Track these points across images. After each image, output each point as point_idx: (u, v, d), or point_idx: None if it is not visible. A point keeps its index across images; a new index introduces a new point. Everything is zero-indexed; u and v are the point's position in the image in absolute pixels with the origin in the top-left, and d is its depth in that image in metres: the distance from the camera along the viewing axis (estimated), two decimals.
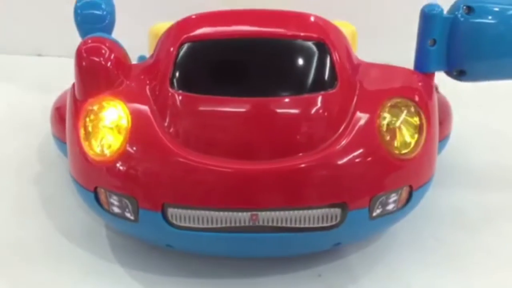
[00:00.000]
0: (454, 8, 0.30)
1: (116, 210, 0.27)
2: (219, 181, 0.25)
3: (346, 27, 0.42)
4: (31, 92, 0.53)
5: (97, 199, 0.28)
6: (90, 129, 0.28)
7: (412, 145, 0.28)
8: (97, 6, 0.33)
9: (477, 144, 0.43)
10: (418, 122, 0.28)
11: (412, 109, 0.28)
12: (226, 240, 0.26)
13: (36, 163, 0.41)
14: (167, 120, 0.27)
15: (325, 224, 0.26)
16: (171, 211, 0.26)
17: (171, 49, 0.29)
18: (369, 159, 0.26)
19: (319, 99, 0.27)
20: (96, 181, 0.28)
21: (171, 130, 0.27)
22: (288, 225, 0.26)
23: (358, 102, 0.28)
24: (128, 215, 0.27)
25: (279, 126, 0.27)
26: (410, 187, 0.28)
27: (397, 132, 0.28)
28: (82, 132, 0.28)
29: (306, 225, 0.26)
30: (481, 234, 0.33)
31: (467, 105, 0.46)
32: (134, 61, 0.39)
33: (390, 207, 0.28)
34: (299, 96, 0.27)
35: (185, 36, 0.29)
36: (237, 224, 0.26)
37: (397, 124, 0.28)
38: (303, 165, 0.25)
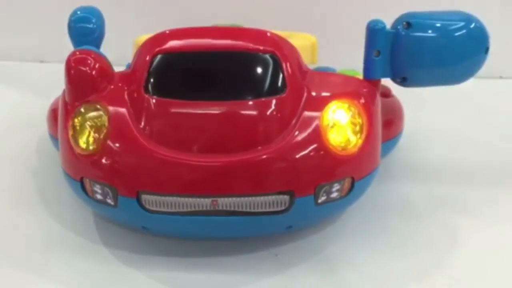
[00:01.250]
0: (396, 23, 0.35)
1: (99, 197, 0.32)
2: (184, 172, 0.30)
3: (306, 39, 0.47)
4: (33, 96, 0.56)
5: (83, 188, 0.33)
6: (77, 128, 0.32)
7: (354, 142, 0.32)
8: (88, 20, 0.37)
9: (432, 141, 0.47)
10: (360, 122, 0.32)
11: (355, 110, 0.32)
12: (190, 222, 0.31)
13: (34, 159, 0.45)
14: (143, 121, 0.32)
15: (275, 209, 0.30)
16: (144, 197, 0.30)
17: (146, 59, 0.33)
18: (314, 153, 0.31)
19: (272, 102, 0.32)
20: (82, 172, 0.32)
21: (146, 130, 0.31)
22: (244, 209, 0.30)
23: (305, 104, 0.32)
24: (109, 201, 0.32)
25: (238, 125, 0.31)
26: (352, 178, 0.32)
27: (340, 130, 0.32)
28: (70, 130, 0.32)
29: (259, 210, 0.30)
30: (425, 223, 0.37)
31: (424, 106, 0.50)
32: (123, 68, 0.44)
33: (334, 195, 0.32)
34: (255, 100, 0.32)
35: (158, 48, 0.33)
36: (200, 209, 0.30)
37: (340, 123, 0.32)
38: (255, 159, 0.30)
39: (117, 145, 0.31)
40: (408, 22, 0.34)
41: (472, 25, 0.35)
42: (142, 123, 0.32)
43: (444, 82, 0.36)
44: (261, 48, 0.33)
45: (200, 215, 0.30)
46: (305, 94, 0.33)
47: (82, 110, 0.33)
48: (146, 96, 0.32)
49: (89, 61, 0.33)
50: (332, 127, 0.32)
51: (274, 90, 0.32)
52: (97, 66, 0.33)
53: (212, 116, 0.31)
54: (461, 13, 0.36)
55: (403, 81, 0.36)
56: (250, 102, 0.32)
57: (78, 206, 0.38)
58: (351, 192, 0.32)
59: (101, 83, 0.33)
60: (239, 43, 0.34)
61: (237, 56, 0.33)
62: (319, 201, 0.31)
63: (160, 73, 0.33)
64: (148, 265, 0.33)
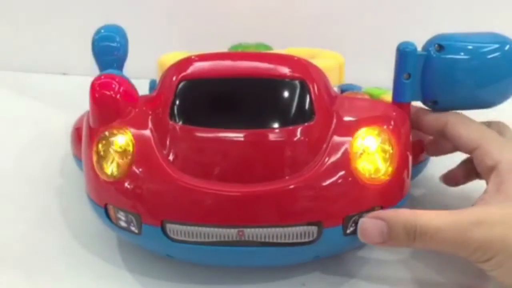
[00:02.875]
0: (427, 45, 0.34)
1: (123, 224, 0.32)
2: (209, 201, 0.29)
3: (334, 58, 0.46)
4: (56, 109, 0.56)
5: (107, 214, 0.32)
6: (102, 153, 0.32)
7: (383, 170, 0.31)
8: (112, 39, 0.37)
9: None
10: (390, 149, 0.31)
11: (385, 137, 0.31)
12: (216, 252, 0.30)
13: (58, 177, 0.45)
14: (167, 147, 0.31)
15: (303, 240, 0.30)
16: (169, 226, 0.30)
17: (172, 84, 0.32)
18: (343, 183, 0.30)
19: (300, 130, 0.31)
20: (106, 199, 0.32)
21: (170, 156, 0.31)
22: (270, 240, 0.30)
23: (334, 131, 0.31)
24: (133, 228, 0.31)
25: (264, 153, 0.30)
26: (382, 207, 0.31)
27: (370, 157, 0.31)
28: (95, 156, 0.32)
29: (286, 241, 0.30)
30: None
31: None
32: (146, 84, 0.43)
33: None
34: (282, 128, 0.31)
35: (183, 74, 0.33)
36: (226, 239, 0.29)
37: (370, 150, 0.31)
38: (282, 189, 0.29)
39: (142, 171, 0.31)
40: (440, 44, 0.33)
41: (507, 47, 0.33)
42: (166, 150, 0.31)
43: (476, 105, 0.35)
44: (289, 74, 0.32)
45: (225, 246, 0.30)
46: (334, 120, 0.32)
47: (107, 134, 0.32)
48: (171, 122, 0.32)
49: (113, 85, 0.33)
50: (361, 154, 0.31)
51: (302, 117, 0.31)
52: (121, 90, 0.33)
53: (237, 144, 0.31)
54: (495, 34, 0.34)
55: (434, 105, 0.35)
56: (277, 130, 0.31)
57: (102, 228, 0.37)
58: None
59: (126, 107, 0.33)
60: (266, 68, 0.33)
61: (264, 82, 0.32)
62: (348, 231, 0.30)
63: (186, 99, 0.32)
64: None
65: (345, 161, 0.30)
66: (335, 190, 0.30)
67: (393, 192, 0.32)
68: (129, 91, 0.33)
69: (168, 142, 0.31)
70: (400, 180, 0.32)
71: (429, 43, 0.34)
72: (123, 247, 0.36)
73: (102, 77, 0.33)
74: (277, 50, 0.46)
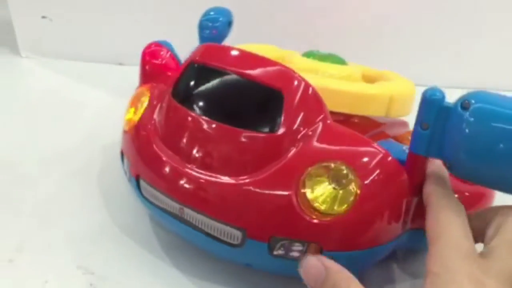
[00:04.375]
0: (458, 99, 0.29)
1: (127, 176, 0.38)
2: (166, 171, 0.32)
3: (406, 86, 0.41)
4: (112, 98, 0.59)
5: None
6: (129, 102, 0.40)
7: (334, 209, 0.29)
8: (215, 20, 0.40)
9: None
10: (352, 190, 0.29)
11: (348, 176, 0.29)
12: (165, 218, 0.34)
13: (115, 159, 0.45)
14: (162, 117, 0.35)
15: (229, 241, 0.30)
16: (141, 183, 0.35)
17: (184, 64, 0.36)
18: (277, 202, 0.29)
19: (262, 137, 0.30)
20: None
21: (158, 124, 0.35)
22: (202, 227, 0.31)
23: (297, 153, 0.30)
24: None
25: (224, 149, 0.31)
26: (319, 246, 0.29)
27: (325, 191, 0.29)
28: (131, 109, 0.38)
29: (215, 234, 0.31)
30: None
31: None
32: None
33: (295, 254, 0.30)
34: (248, 131, 0.31)
35: (192, 57, 0.35)
36: (172, 210, 0.33)
37: (328, 183, 0.29)
38: (220, 184, 0.30)
39: (137, 129, 0.37)
40: (469, 101, 0.28)
41: None
42: (161, 118, 0.35)
43: (498, 186, 0.30)
44: (271, 83, 0.31)
45: (172, 216, 0.33)
46: (303, 142, 0.30)
47: (138, 91, 0.39)
48: (171, 97, 0.34)
49: (162, 53, 0.41)
50: (315, 183, 0.29)
51: (269, 126, 0.31)
52: (162, 59, 0.40)
53: (206, 133, 0.32)
54: None
55: (449, 169, 0.30)
56: (242, 132, 0.31)
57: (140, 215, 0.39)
58: None
59: (160, 74, 0.40)
60: (258, 72, 0.32)
61: (250, 85, 0.32)
62: (275, 253, 0.30)
63: (185, 81, 0.35)
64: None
65: (291, 183, 0.29)
66: (266, 205, 0.29)
67: (337, 235, 0.29)
68: (169, 63, 0.40)
69: (163, 113, 0.35)
70: (354, 228, 0.29)
71: (462, 97, 0.29)
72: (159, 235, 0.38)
73: (152, 45, 0.41)
74: (350, 64, 0.42)
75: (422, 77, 0.48)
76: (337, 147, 0.30)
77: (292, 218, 0.29)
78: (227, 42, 0.40)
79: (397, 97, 0.38)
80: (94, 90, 0.61)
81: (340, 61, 0.42)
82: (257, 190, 0.30)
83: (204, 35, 0.39)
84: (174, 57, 0.40)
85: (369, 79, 0.42)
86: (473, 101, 0.28)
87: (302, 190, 0.29)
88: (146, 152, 0.34)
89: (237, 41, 0.43)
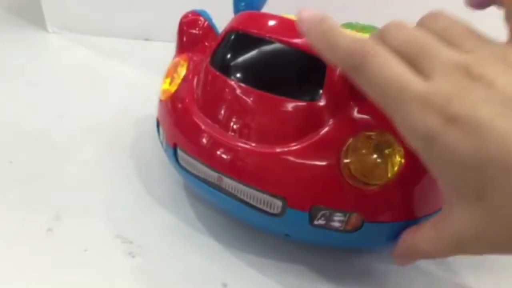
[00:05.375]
0: None
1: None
2: (204, 140, 0.32)
3: None
4: (141, 73, 0.59)
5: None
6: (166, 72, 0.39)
7: (377, 178, 0.28)
8: None
9: None
10: (398, 161, 0.28)
11: (391, 146, 0.29)
12: (203, 188, 0.34)
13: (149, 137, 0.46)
14: (200, 86, 0.35)
15: (269, 210, 0.30)
16: (178, 152, 0.35)
17: (223, 33, 0.35)
18: (320, 171, 0.29)
19: (304, 106, 0.30)
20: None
21: (197, 94, 0.35)
22: (242, 197, 0.31)
23: (338, 123, 0.30)
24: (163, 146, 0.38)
25: (265, 118, 0.31)
26: (361, 216, 0.29)
27: (368, 160, 0.29)
28: (167, 79, 0.38)
29: (254, 204, 0.31)
30: None
31: None
32: None
33: (336, 224, 0.30)
34: (289, 99, 0.30)
35: (231, 25, 0.35)
36: (210, 180, 0.33)
37: (371, 153, 0.29)
38: (260, 153, 0.30)
39: (174, 98, 0.37)
40: None
41: None
42: (199, 88, 0.35)
43: None
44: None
45: (210, 186, 0.33)
46: (344, 112, 0.30)
47: (175, 60, 0.39)
48: (209, 66, 0.34)
49: (199, 22, 0.40)
50: (357, 153, 0.28)
51: (312, 95, 0.30)
52: (197, 30, 0.40)
53: (245, 102, 0.32)
54: None
55: None
56: (286, 101, 0.30)
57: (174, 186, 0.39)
58: (359, 231, 0.30)
59: (196, 43, 0.39)
60: (298, 41, 0.31)
61: (291, 53, 0.31)
62: (316, 222, 0.30)
63: (224, 49, 0.34)
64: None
65: (333, 152, 0.29)
66: (308, 175, 0.29)
67: (383, 206, 0.29)
68: (207, 32, 0.40)
69: (201, 82, 0.35)
70: (397, 196, 0.29)
71: None
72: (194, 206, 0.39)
73: (189, 15, 0.40)
74: None
75: None
76: (379, 117, 0.29)
77: (334, 187, 0.29)
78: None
79: None
80: (121, 66, 0.61)
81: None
82: (298, 159, 0.29)
83: (240, 7, 0.39)
84: (211, 27, 0.40)
85: None
86: None
87: (344, 160, 0.29)
88: (184, 121, 0.34)
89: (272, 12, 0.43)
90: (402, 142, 0.28)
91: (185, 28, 0.40)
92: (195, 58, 0.38)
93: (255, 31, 0.33)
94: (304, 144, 0.30)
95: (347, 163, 0.29)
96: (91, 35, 0.68)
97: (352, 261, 0.35)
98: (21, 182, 0.40)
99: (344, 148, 0.29)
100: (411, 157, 0.28)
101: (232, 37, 0.34)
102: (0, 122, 0.48)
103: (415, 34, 0.26)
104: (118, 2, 0.67)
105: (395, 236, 0.30)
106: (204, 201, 0.39)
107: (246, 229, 0.36)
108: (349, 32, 0.28)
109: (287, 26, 0.32)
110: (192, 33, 0.40)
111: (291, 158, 0.30)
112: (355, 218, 0.29)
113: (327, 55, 0.27)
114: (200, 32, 0.40)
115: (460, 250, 0.26)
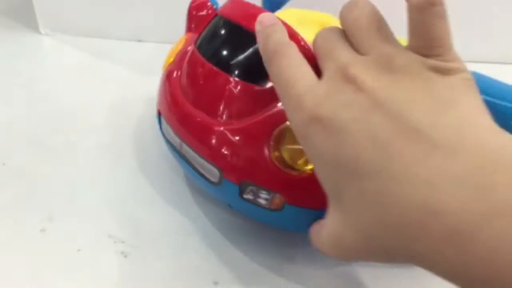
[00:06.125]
0: None
1: None
2: (173, 111, 0.36)
3: None
4: (134, 74, 0.59)
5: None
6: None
7: (300, 164, 0.30)
8: None
9: None
10: None
11: None
12: (174, 153, 0.37)
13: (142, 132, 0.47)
14: (184, 63, 0.37)
15: (210, 178, 0.33)
16: (161, 119, 0.38)
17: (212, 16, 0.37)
18: (250, 150, 0.31)
19: (250, 88, 0.32)
20: None
21: (179, 71, 0.37)
22: (192, 162, 0.34)
23: (279, 109, 0.31)
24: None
25: (215, 92, 0.33)
26: (283, 197, 0.31)
27: (291, 147, 0.31)
28: (169, 57, 0.40)
29: (201, 171, 0.34)
30: None
31: None
32: None
33: (262, 202, 0.32)
34: (239, 80, 0.33)
35: (219, 9, 0.37)
36: (177, 146, 0.36)
37: (295, 140, 0.29)
38: (207, 124, 0.33)
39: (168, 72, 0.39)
40: None
41: None
42: (184, 65, 0.37)
43: None
44: None
45: (177, 152, 0.36)
46: None
47: (178, 40, 0.41)
48: (194, 43, 0.37)
49: (207, 5, 0.42)
50: (287, 139, 0.30)
51: (260, 79, 0.32)
52: (204, 12, 0.41)
53: (207, 79, 0.34)
54: None
55: None
56: (237, 81, 0.33)
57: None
58: (281, 212, 0.32)
59: (201, 26, 0.39)
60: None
61: (252, 39, 0.32)
62: (245, 196, 0.32)
63: (208, 32, 0.36)
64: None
65: (266, 135, 0.31)
66: (241, 151, 0.32)
67: (300, 190, 0.31)
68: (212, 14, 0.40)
69: (186, 58, 0.37)
70: (317, 184, 0.29)
71: None
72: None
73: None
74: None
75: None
76: None
77: (262, 167, 0.31)
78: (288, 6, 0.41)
79: None
80: (114, 67, 0.61)
81: None
82: (235, 136, 0.32)
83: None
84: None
85: None
86: None
87: (274, 144, 0.31)
88: (165, 91, 0.37)
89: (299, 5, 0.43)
90: None
91: (194, 12, 0.42)
92: (194, 37, 0.39)
93: (230, 17, 0.35)
94: (242, 123, 0.32)
95: (276, 146, 0.31)
96: (83, 36, 0.68)
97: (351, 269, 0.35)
98: (14, 184, 0.41)
99: (276, 132, 0.31)
100: None
101: (213, 20, 0.36)
102: None
103: (326, 35, 0.28)
104: (111, 4, 0.67)
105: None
106: (196, 202, 0.39)
107: (239, 229, 0.37)
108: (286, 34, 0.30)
109: (255, 14, 0.33)
110: (199, 16, 0.42)
111: (229, 134, 0.32)
112: (278, 199, 0.31)
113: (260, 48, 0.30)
114: (207, 15, 0.41)
115: (340, 252, 0.26)
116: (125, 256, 0.35)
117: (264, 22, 0.30)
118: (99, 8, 0.67)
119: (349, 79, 0.24)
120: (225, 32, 0.35)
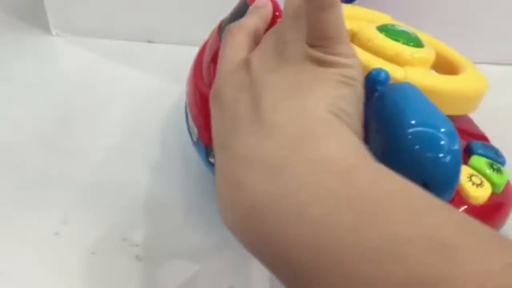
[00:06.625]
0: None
1: None
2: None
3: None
4: (145, 75, 0.58)
5: None
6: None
7: None
8: None
9: None
10: None
11: None
12: None
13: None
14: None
15: (193, 137, 0.36)
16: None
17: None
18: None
19: None
20: None
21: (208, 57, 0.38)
22: (189, 121, 0.37)
23: None
24: None
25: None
26: None
27: None
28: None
29: (190, 129, 0.37)
30: None
31: None
32: None
33: None
34: None
35: None
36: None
37: None
38: (197, 89, 0.36)
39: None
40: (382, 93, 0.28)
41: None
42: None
43: None
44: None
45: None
46: None
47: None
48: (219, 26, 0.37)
49: None
50: None
51: None
52: None
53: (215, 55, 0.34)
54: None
55: None
56: None
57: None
58: None
59: None
60: None
61: None
62: (210, 159, 0.34)
63: (230, 17, 0.36)
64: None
65: None
66: (209, 116, 0.33)
67: None
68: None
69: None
70: None
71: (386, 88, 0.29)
72: None
73: None
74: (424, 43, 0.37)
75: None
76: None
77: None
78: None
79: (474, 96, 0.36)
80: (125, 68, 0.61)
81: (414, 41, 0.36)
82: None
83: None
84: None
85: (443, 64, 0.39)
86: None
87: None
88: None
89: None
90: None
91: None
92: None
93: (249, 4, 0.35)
94: None
95: None
96: (95, 37, 0.68)
97: None
98: (28, 186, 0.41)
99: None
100: None
101: (241, 6, 0.36)
102: (5, 125, 0.48)
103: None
104: (121, 5, 0.67)
105: None
106: (211, 205, 0.39)
107: None
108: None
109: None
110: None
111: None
112: None
113: None
114: None
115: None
116: (140, 260, 0.34)
117: (256, 3, 0.32)
118: (110, 9, 0.67)
119: (246, 62, 0.26)
120: (240, 11, 0.35)
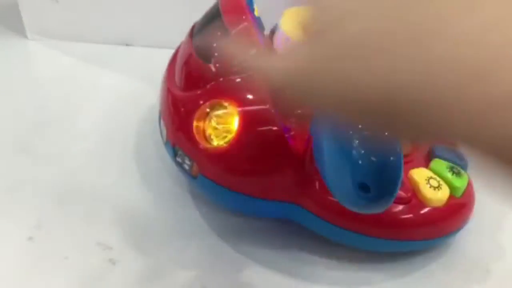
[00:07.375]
0: None
1: None
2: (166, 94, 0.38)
3: None
4: (123, 79, 0.58)
5: None
6: None
7: (210, 140, 0.33)
8: None
9: None
10: (230, 128, 0.33)
11: (230, 116, 0.33)
12: None
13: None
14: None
15: (163, 137, 0.37)
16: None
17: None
18: (182, 119, 0.35)
19: (200, 64, 0.36)
20: None
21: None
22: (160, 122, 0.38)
23: (213, 86, 0.34)
24: None
25: (184, 69, 0.37)
26: (198, 167, 0.34)
27: (206, 123, 0.34)
28: None
29: (161, 129, 0.38)
30: None
31: None
32: None
33: (186, 167, 0.35)
34: (198, 60, 0.36)
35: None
36: None
37: (209, 118, 0.34)
38: (171, 93, 0.37)
39: None
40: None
41: None
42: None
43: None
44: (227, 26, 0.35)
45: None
46: (225, 79, 0.34)
47: None
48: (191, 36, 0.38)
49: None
50: (206, 115, 0.34)
51: (208, 58, 0.35)
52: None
53: (182, 59, 0.37)
54: None
55: None
56: (197, 60, 0.36)
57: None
58: (196, 180, 0.34)
59: None
60: (226, 20, 0.36)
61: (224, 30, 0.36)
62: (176, 159, 0.35)
63: (202, 20, 0.38)
64: None
65: (196, 108, 0.34)
66: (177, 118, 0.35)
67: (210, 165, 0.34)
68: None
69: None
70: (225, 162, 0.33)
71: None
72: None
73: None
74: None
75: None
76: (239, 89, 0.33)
77: (187, 136, 0.34)
78: None
79: None
80: (103, 71, 0.61)
81: None
82: (177, 104, 0.36)
83: None
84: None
85: None
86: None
87: (199, 115, 0.34)
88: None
89: None
90: (242, 116, 0.32)
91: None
92: None
93: (220, 9, 0.36)
94: (184, 94, 0.35)
95: (201, 118, 0.34)
96: (71, 41, 0.67)
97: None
98: (2, 192, 0.40)
99: (203, 106, 0.34)
100: (245, 130, 0.32)
101: (210, 9, 0.38)
102: None
103: None
104: (98, 8, 0.66)
105: (226, 200, 0.35)
106: (189, 208, 0.39)
107: (237, 234, 0.37)
108: None
109: (238, 8, 0.36)
110: None
111: (175, 101, 0.36)
112: (195, 167, 0.34)
113: None
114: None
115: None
116: (113, 264, 0.34)
117: None
118: (86, 12, 0.67)
119: None
120: (212, 15, 0.37)
